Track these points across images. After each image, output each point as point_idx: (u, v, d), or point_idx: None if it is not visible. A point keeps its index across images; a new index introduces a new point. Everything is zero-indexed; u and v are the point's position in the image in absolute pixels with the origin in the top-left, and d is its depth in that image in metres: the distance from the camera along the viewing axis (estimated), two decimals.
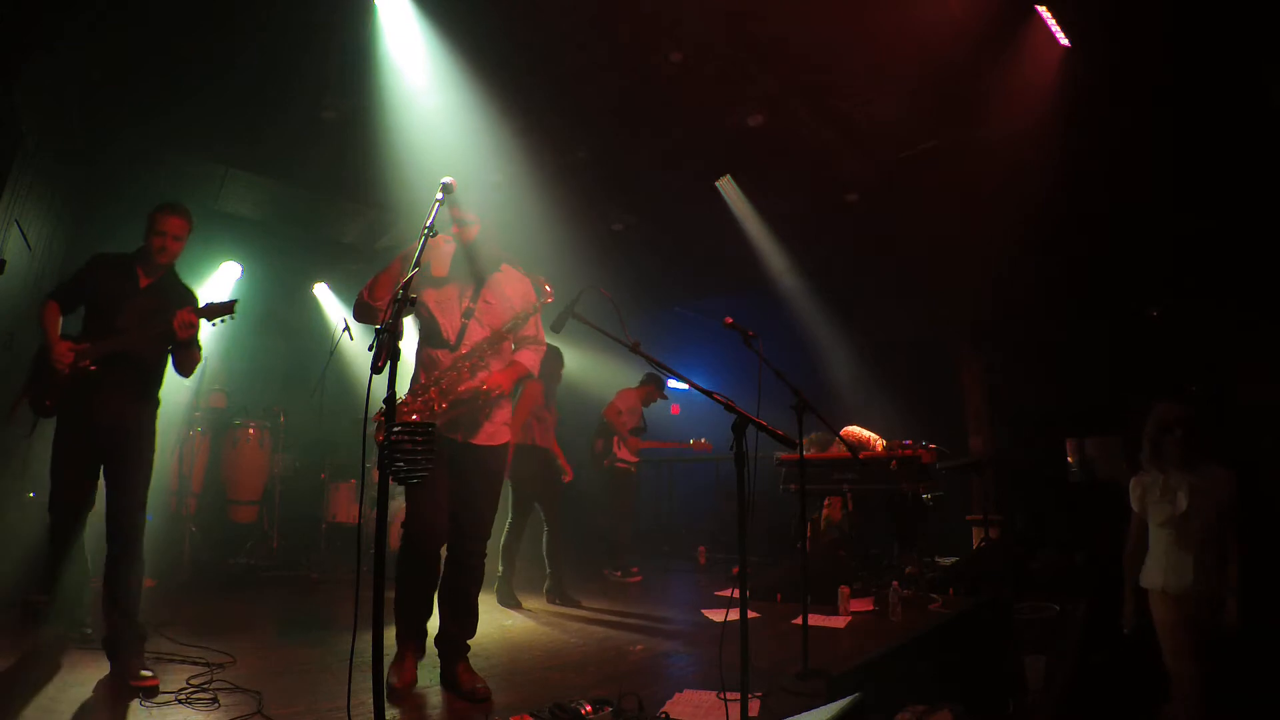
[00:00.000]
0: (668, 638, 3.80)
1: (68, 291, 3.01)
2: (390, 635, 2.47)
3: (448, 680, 2.80)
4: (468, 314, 2.91)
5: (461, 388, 2.77)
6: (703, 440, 6.47)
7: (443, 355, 2.87)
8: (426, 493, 2.71)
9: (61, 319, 2.90)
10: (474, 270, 2.95)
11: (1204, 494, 2.62)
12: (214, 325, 2.93)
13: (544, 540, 4.93)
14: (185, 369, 3.06)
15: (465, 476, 2.82)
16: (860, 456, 4.83)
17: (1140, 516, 2.79)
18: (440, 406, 2.73)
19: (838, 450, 5.33)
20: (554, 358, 4.95)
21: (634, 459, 6.05)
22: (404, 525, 2.80)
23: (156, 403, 3.06)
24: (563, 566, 4.91)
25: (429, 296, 2.90)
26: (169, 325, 2.79)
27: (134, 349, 2.88)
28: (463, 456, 2.82)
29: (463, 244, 2.92)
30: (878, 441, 5.46)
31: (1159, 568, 2.70)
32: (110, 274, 2.99)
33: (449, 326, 2.90)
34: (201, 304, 2.94)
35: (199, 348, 3.07)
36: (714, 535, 7.59)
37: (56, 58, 3.97)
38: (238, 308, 2.92)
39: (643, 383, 6.29)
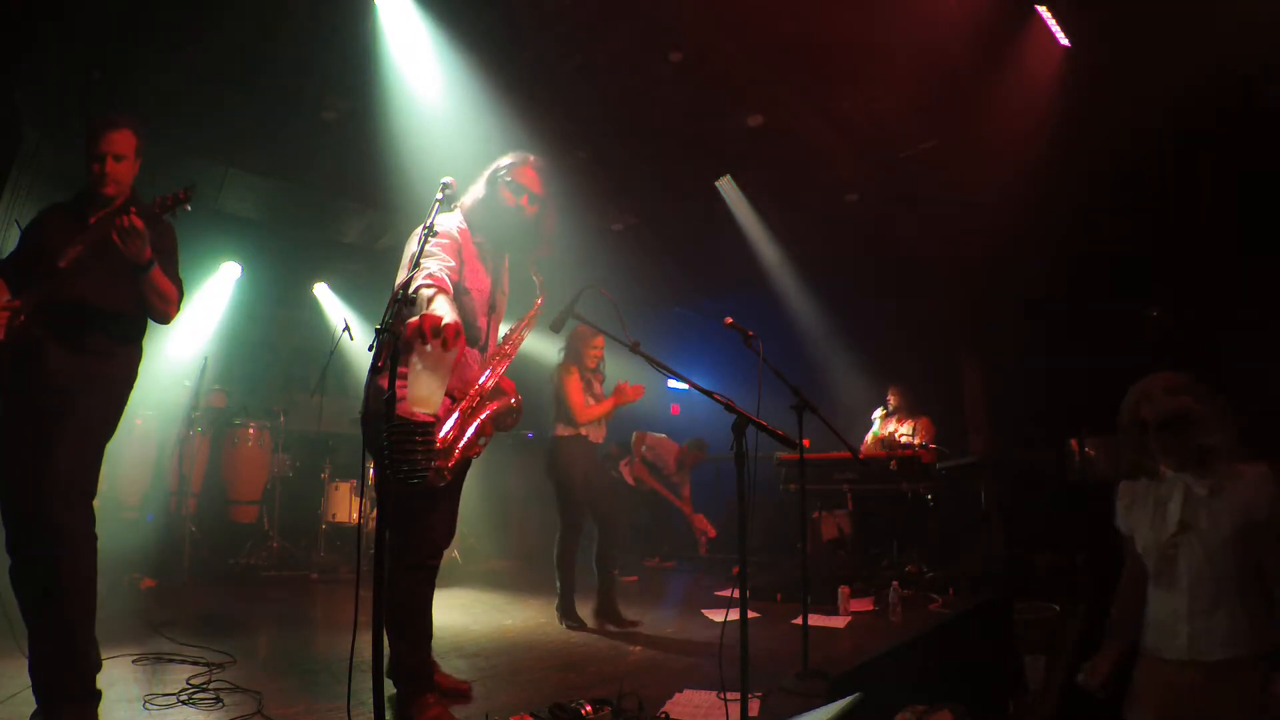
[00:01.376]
0: (668, 638, 3.79)
1: (10, 260, 2.37)
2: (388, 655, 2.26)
3: None
4: (492, 309, 2.58)
5: (498, 402, 2.47)
6: (709, 529, 6.78)
7: (471, 357, 2.48)
8: (440, 503, 2.40)
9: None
10: (508, 255, 2.63)
11: (1211, 505, 1.74)
12: (171, 219, 2.29)
13: (594, 550, 4.15)
14: (158, 309, 2.38)
15: (455, 484, 2.63)
16: (860, 456, 4.85)
17: (1128, 539, 1.93)
18: (488, 429, 2.42)
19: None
20: (578, 337, 4.23)
21: (631, 482, 6.58)
22: (416, 539, 2.39)
23: (125, 359, 2.38)
24: (615, 584, 4.11)
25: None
26: (121, 253, 2.16)
27: (82, 291, 2.25)
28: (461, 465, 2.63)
29: (523, 219, 2.57)
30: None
31: (1147, 619, 1.84)
32: (56, 220, 2.39)
33: (479, 322, 2.51)
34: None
35: (178, 283, 2.42)
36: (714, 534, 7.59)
37: (56, 58, 3.98)
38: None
39: (684, 445, 6.81)
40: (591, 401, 4.16)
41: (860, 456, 4.96)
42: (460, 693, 2.69)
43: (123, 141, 2.38)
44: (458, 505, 2.70)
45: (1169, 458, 1.81)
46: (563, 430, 4.12)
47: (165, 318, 2.43)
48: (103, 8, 3.84)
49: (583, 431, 4.10)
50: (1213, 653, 1.68)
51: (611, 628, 3.90)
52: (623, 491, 6.51)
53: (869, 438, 6.06)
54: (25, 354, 2.21)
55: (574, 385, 4.12)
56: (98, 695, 2.24)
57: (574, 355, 4.20)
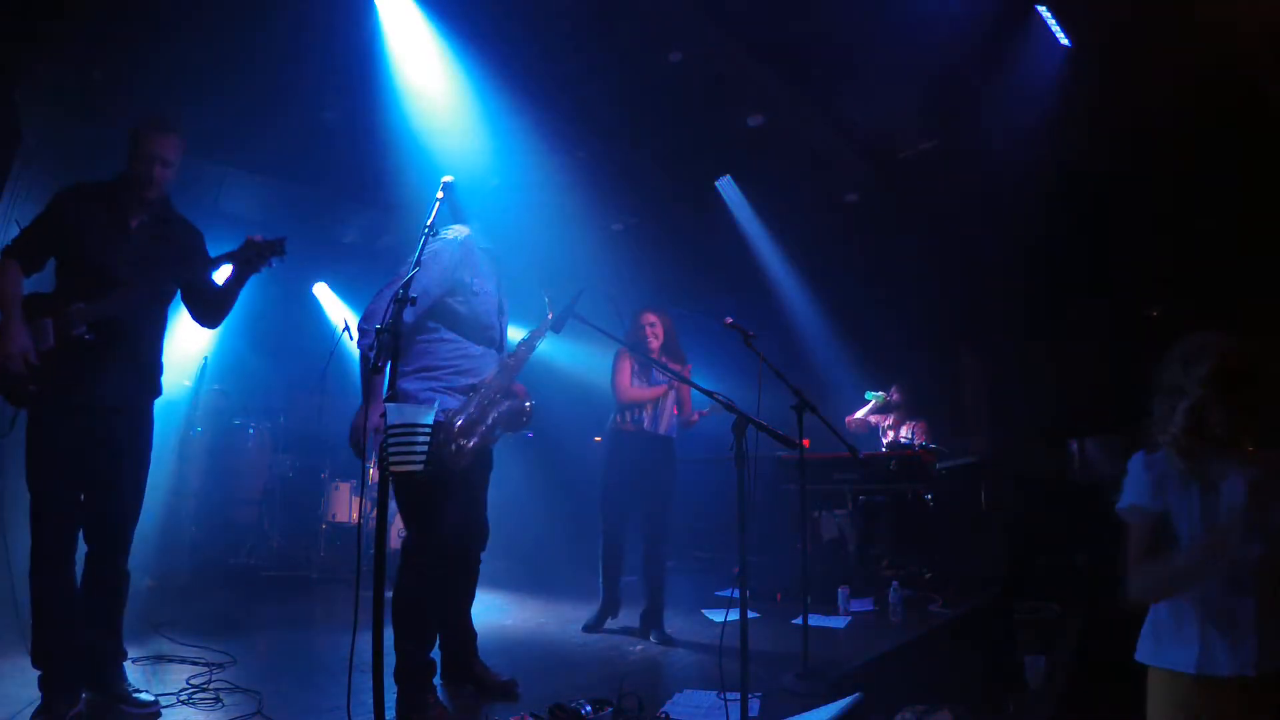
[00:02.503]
0: (668, 637, 3.79)
1: (31, 242, 2.25)
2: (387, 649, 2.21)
3: (471, 677, 2.82)
4: (501, 310, 2.71)
5: (513, 399, 2.59)
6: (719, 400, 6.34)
7: (488, 359, 2.61)
8: (451, 502, 2.42)
9: (23, 281, 2.20)
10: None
11: (1274, 490, 1.43)
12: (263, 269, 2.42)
13: (643, 555, 3.94)
14: (223, 314, 2.50)
15: (475, 477, 2.69)
16: (861, 456, 4.85)
17: (1155, 520, 1.51)
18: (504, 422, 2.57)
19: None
20: (633, 320, 3.87)
21: None
22: (426, 538, 2.43)
23: (156, 381, 2.49)
24: (661, 592, 3.86)
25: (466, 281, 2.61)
26: (182, 274, 2.27)
27: (135, 308, 2.27)
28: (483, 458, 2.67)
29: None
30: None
31: (1184, 627, 1.48)
32: (88, 210, 2.28)
33: (493, 322, 2.65)
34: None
35: None
36: (714, 535, 7.58)
37: (56, 58, 3.97)
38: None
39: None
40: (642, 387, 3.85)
41: (848, 425, 4.92)
42: (506, 690, 2.73)
43: (174, 148, 2.37)
44: (483, 506, 2.75)
45: (1228, 425, 1.46)
46: (612, 421, 3.90)
47: (218, 323, 2.57)
48: (103, 7, 3.84)
49: (633, 422, 3.80)
50: (1276, 662, 1.41)
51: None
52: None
53: (860, 412, 6.03)
54: (80, 364, 2.16)
55: (623, 367, 3.83)
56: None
57: (629, 338, 3.79)
